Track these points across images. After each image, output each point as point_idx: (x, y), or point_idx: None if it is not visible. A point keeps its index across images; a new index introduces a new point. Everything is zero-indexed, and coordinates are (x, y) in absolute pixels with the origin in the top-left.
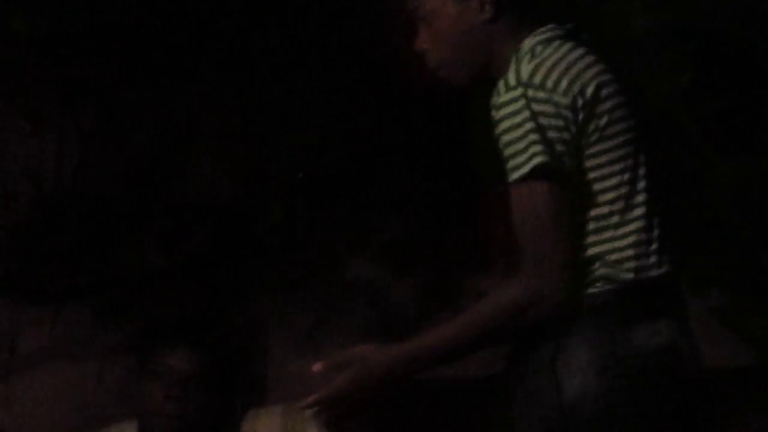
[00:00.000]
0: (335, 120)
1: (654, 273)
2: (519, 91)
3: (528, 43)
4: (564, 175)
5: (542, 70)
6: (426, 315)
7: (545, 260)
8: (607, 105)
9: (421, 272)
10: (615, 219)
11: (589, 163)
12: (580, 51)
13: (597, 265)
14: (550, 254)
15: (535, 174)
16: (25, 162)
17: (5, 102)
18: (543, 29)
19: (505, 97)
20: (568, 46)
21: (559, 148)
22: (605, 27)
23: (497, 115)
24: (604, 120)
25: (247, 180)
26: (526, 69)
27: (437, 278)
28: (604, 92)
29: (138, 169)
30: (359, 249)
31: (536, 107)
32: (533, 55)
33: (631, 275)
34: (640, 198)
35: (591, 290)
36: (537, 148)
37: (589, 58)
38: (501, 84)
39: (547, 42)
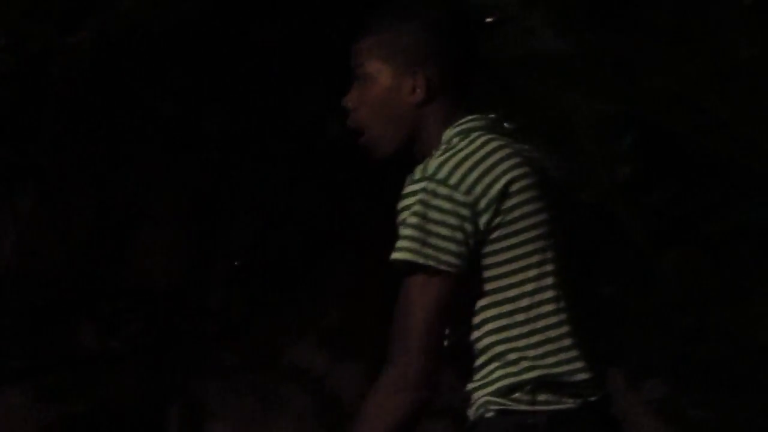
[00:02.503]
0: (273, 209)
1: (559, 370)
2: (421, 185)
3: (448, 133)
4: (444, 273)
5: (449, 166)
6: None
7: (406, 354)
8: (514, 201)
9: (358, 359)
10: (520, 317)
11: (490, 260)
12: (494, 144)
13: (505, 364)
14: (411, 348)
15: (398, 266)
16: None
17: None
18: (464, 119)
19: (408, 189)
20: (483, 139)
21: (444, 245)
22: (541, 116)
23: (399, 204)
24: (509, 216)
25: (186, 266)
26: (434, 163)
27: (375, 365)
28: (513, 188)
29: (76, 253)
30: (297, 336)
31: (432, 201)
32: (447, 149)
33: (536, 373)
34: (548, 294)
35: (518, 405)
36: (409, 244)
37: (502, 152)
38: (410, 176)
39: (466, 133)
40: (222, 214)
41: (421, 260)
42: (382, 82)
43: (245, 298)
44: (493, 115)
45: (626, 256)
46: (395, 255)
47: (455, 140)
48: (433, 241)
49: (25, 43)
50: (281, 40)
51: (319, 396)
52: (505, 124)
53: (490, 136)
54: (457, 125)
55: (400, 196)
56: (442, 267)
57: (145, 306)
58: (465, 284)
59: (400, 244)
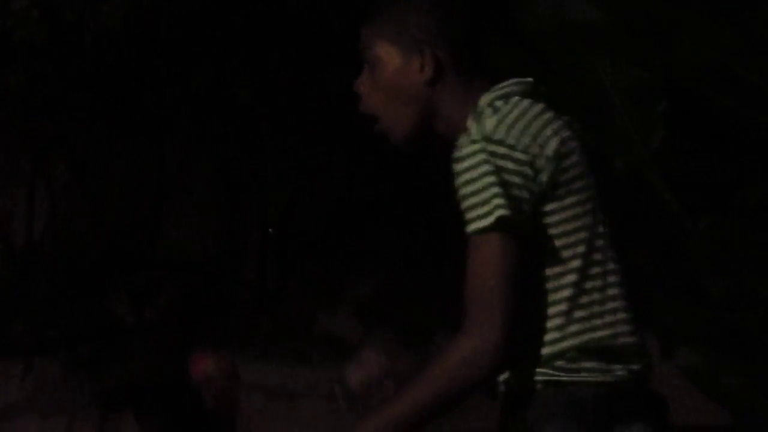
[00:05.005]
0: (307, 178)
1: (603, 333)
2: (480, 145)
3: (486, 98)
4: (522, 231)
5: (503, 126)
6: (397, 371)
7: (492, 315)
8: (567, 162)
9: (391, 327)
10: (570, 278)
11: (546, 220)
12: (538, 107)
13: (551, 329)
14: (497, 309)
15: (496, 226)
16: None
17: None
18: (502, 84)
19: (466, 150)
20: (526, 102)
21: (518, 203)
22: (575, 84)
23: (458, 167)
24: (564, 177)
25: (219, 236)
26: (488, 123)
27: (408, 333)
28: (565, 149)
29: (110, 224)
30: (330, 305)
31: (497, 162)
32: (494, 111)
33: (579, 339)
34: (597, 256)
35: (562, 375)
36: (499, 201)
37: (548, 114)
38: (463, 138)
39: (506, 97)
40: (256, 183)
41: (516, 216)
42: (390, 63)
43: (279, 267)
44: (530, 80)
45: (660, 223)
46: (492, 217)
47: (498, 103)
48: (514, 197)
49: (58, 13)
50: (315, 11)
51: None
52: (540, 88)
53: (530, 100)
54: (497, 89)
55: (455, 159)
56: (524, 223)
57: (180, 276)
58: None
59: (492, 203)
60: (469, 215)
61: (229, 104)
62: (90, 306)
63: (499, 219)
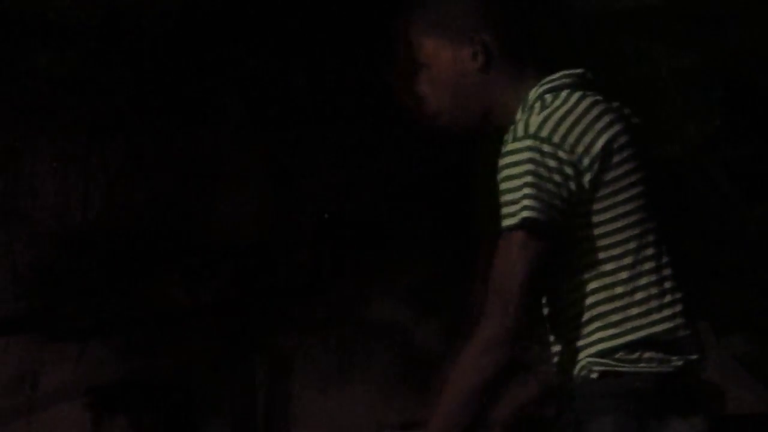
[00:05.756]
0: (361, 163)
1: (662, 327)
2: (525, 143)
3: (535, 91)
4: (550, 231)
5: (550, 123)
6: (449, 356)
7: (506, 308)
8: (615, 158)
9: (444, 314)
10: (624, 275)
11: (595, 219)
12: (588, 101)
13: (608, 325)
14: (512, 303)
15: (522, 226)
16: (51, 200)
17: (31, 140)
18: (552, 77)
19: (510, 147)
20: (576, 96)
21: (553, 202)
22: (630, 70)
23: (501, 162)
24: (612, 174)
25: (273, 220)
26: (535, 120)
27: (460, 320)
28: (614, 146)
29: (164, 208)
30: (383, 291)
31: (539, 159)
32: (543, 106)
33: (639, 334)
34: (651, 251)
35: (621, 366)
36: (528, 202)
37: (598, 109)
38: (510, 133)
39: (556, 91)
40: (309, 168)
41: (543, 218)
42: (442, 57)
43: (331, 252)
44: (580, 71)
45: (715, 210)
46: (524, 214)
47: (548, 98)
48: (546, 198)
49: None
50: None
51: (404, 351)
52: (589, 76)
53: (581, 93)
54: (546, 83)
55: (501, 153)
56: (552, 224)
57: (234, 260)
58: (559, 243)
59: (521, 203)
60: (503, 211)
61: (284, 89)
62: (144, 289)
63: (525, 219)
